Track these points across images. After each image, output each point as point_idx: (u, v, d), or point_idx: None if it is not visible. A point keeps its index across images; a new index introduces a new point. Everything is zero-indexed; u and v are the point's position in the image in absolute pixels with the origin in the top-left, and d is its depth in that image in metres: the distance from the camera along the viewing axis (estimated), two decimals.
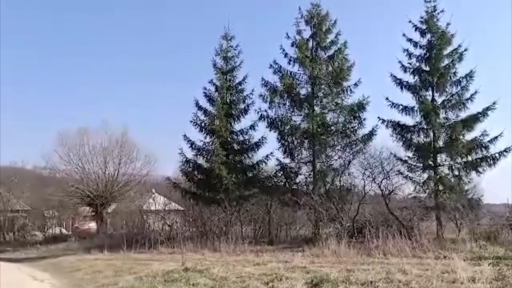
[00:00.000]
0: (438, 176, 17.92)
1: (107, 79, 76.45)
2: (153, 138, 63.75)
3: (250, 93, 21.45)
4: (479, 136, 17.67)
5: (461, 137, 17.73)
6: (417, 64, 19.33)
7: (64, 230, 36.25)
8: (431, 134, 18.43)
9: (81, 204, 30.89)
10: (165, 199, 26.28)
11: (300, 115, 20.17)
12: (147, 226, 21.92)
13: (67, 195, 28.75)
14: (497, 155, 17.25)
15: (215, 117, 20.84)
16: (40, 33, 75.30)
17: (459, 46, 18.60)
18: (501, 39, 63.76)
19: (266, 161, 20.73)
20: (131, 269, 12.30)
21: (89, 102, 71.62)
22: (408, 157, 18.71)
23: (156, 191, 29.93)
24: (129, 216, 23.70)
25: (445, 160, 18.28)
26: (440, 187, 17.76)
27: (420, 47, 19.34)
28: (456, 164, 17.97)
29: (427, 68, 19.02)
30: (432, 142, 18.31)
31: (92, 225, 32.45)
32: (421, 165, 18.59)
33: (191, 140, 20.94)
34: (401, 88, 19.33)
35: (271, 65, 20.32)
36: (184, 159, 20.88)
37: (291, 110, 20.23)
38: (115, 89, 77.74)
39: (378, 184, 18.10)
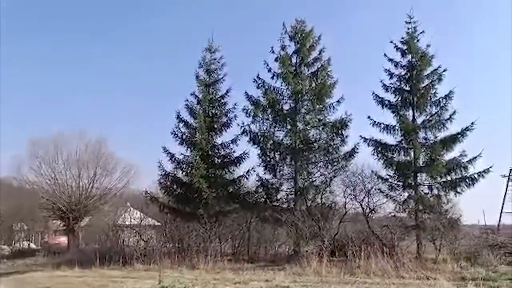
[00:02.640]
0: (418, 195, 17.99)
1: (83, 87, 74.62)
2: (130, 150, 62.47)
3: (233, 107, 21.28)
4: (458, 156, 17.92)
5: (440, 157, 17.90)
6: (398, 83, 19.58)
7: (32, 245, 34.71)
8: (412, 153, 18.56)
9: (52, 217, 29.67)
10: (141, 213, 25.51)
11: (283, 131, 20.09)
12: (122, 241, 21.10)
13: (38, 208, 27.56)
14: (476, 175, 17.48)
15: (197, 130, 20.49)
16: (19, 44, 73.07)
17: (439, 67, 18.97)
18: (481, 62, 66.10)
19: (247, 176, 20.41)
20: (104, 287, 11.72)
21: (65, 109, 69.40)
22: (389, 175, 18.74)
23: (131, 205, 29.04)
24: (102, 231, 22.77)
25: (425, 179, 18.39)
26: (420, 207, 17.80)
27: (401, 67, 19.63)
28: (435, 183, 18.11)
29: (408, 88, 19.29)
30: (413, 161, 18.42)
31: (63, 239, 31.14)
32: (402, 184, 18.64)
33: (170, 153, 20.50)
34: (382, 106, 19.48)
35: (254, 80, 20.30)
36: (163, 172, 20.39)
37: (274, 125, 20.12)
38: (94, 97, 75.99)
39: (359, 202, 18.13)
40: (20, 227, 33.96)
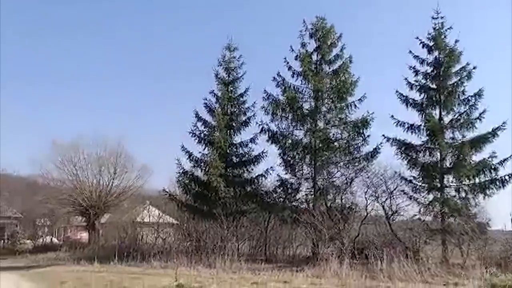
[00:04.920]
0: (444, 198, 17.18)
1: (102, 86, 76.25)
2: (147, 150, 63.49)
3: (252, 105, 21.04)
4: (488, 158, 17.00)
5: (469, 158, 17.04)
6: (424, 81, 18.79)
7: (55, 240, 35.47)
8: (438, 154, 17.76)
9: (74, 213, 30.29)
10: (159, 211, 25.63)
11: (303, 130, 19.57)
12: (140, 239, 21.18)
13: (60, 203, 28.13)
14: (506, 177, 16.58)
15: (215, 129, 20.30)
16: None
17: (467, 64, 18.03)
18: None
19: (266, 175, 20.09)
20: (121, 283, 11.67)
21: (84, 109, 71.05)
22: (413, 177, 17.98)
23: (150, 203, 29.27)
24: (122, 228, 22.95)
25: (452, 181, 17.54)
26: (446, 210, 16.97)
27: (427, 64, 18.81)
28: (463, 186, 17.25)
29: (434, 86, 18.49)
30: (439, 162, 17.62)
31: (84, 235, 31.70)
32: (427, 185, 17.85)
33: (189, 151, 20.36)
34: (407, 105, 18.76)
35: (274, 78, 19.90)
36: (181, 171, 20.27)
37: (294, 124, 19.65)
38: (109, 95, 77.66)
39: (381, 203, 17.55)
40: (43, 223, 34.75)
